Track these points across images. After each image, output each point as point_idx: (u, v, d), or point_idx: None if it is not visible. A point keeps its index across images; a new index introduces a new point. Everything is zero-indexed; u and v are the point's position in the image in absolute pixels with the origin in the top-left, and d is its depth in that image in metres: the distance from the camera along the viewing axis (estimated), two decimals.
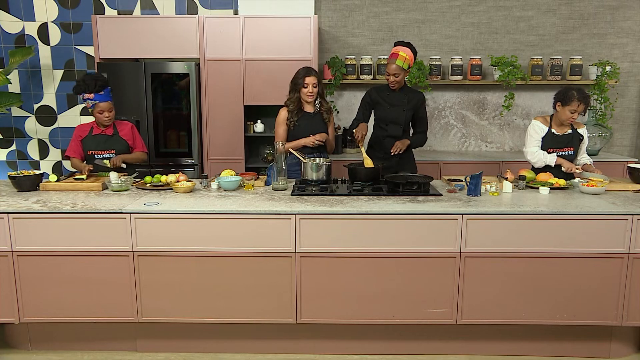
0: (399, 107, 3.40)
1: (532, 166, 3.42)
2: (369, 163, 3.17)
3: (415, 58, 3.34)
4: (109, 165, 3.22)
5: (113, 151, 3.31)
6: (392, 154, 3.33)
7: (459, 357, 2.80)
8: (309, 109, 3.37)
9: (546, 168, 3.28)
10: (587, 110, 3.21)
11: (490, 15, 4.73)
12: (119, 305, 2.65)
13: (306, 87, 3.25)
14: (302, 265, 2.60)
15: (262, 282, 2.62)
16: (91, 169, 3.20)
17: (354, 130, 3.29)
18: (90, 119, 3.30)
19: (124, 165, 3.26)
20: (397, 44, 3.33)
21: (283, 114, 3.36)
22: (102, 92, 3.18)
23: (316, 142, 3.28)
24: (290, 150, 3.17)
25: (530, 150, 3.30)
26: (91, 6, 4.72)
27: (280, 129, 3.36)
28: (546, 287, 2.60)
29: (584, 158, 3.34)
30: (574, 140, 3.29)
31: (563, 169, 3.22)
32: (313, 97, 3.30)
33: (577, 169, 3.19)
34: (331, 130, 3.47)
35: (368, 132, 3.39)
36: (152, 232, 2.57)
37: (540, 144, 3.28)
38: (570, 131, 3.29)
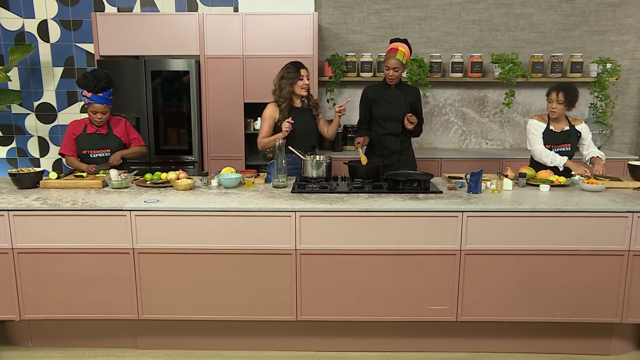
0: (397, 103, 3.40)
1: (530, 162, 3.42)
2: (365, 160, 3.21)
3: (410, 56, 3.37)
4: (109, 166, 3.21)
5: (108, 150, 3.30)
6: (410, 127, 3.36)
7: (459, 355, 2.81)
8: (297, 104, 3.36)
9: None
10: (571, 100, 3.18)
11: (490, 12, 4.72)
12: (120, 302, 2.65)
13: (302, 79, 3.25)
14: (303, 262, 2.60)
15: (262, 279, 2.62)
16: (95, 168, 3.18)
17: (355, 139, 3.46)
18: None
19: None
20: (393, 40, 3.35)
21: (271, 109, 3.32)
22: (100, 94, 3.15)
23: (288, 126, 3.16)
24: (290, 148, 3.16)
25: (538, 147, 3.28)
26: (91, 3, 4.71)
27: (266, 125, 3.33)
28: (546, 284, 2.61)
29: (591, 152, 3.32)
30: (572, 136, 3.30)
31: (574, 174, 3.14)
32: (307, 88, 3.31)
33: (586, 172, 3.11)
34: (323, 122, 3.49)
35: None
36: (152, 230, 2.57)
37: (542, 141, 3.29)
38: (567, 128, 3.30)
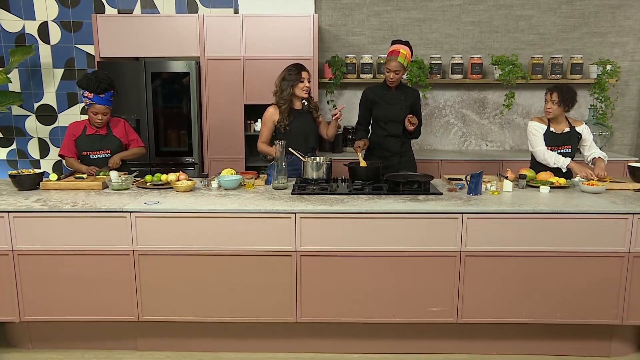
0: (397, 105, 3.40)
1: (530, 164, 3.42)
2: (363, 165, 3.19)
3: (411, 58, 3.37)
4: (109, 169, 3.21)
5: (108, 151, 3.30)
6: (411, 128, 3.34)
7: (460, 356, 2.80)
8: (297, 106, 3.37)
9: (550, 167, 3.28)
10: (566, 100, 3.17)
11: (490, 14, 4.73)
12: (120, 304, 2.65)
13: (302, 82, 3.26)
14: (303, 264, 2.60)
15: (262, 280, 2.62)
16: (95, 170, 3.18)
17: (355, 142, 3.39)
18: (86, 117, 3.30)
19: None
20: (395, 42, 3.34)
21: (270, 111, 3.34)
22: (102, 95, 3.16)
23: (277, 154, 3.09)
24: (290, 150, 3.17)
25: (541, 149, 3.27)
26: (91, 5, 4.71)
27: (265, 128, 3.35)
28: (546, 286, 2.60)
29: (593, 153, 3.31)
30: (572, 138, 3.29)
31: (578, 176, 3.11)
32: (308, 91, 3.31)
33: (592, 175, 3.10)
34: (323, 124, 3.51)
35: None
36: (152, 231, 2.57)
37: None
38: (567, 129, 3.29)
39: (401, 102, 3.40)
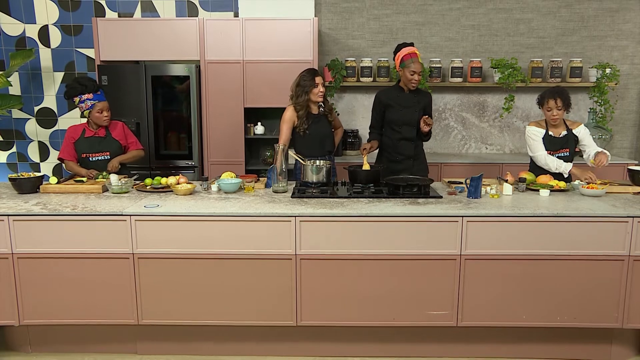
0: (411, 108, 3.40)
1: (529, 167, 3.42)
2: (367, 167, 3.18)
3: None
4: (109, 172, 3.21)
5: (107, 153, 3.31)
6: (427, 129, 3.32)
7: None
8: (314, 110, 3.37)
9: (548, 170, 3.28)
10: (569, 103, 3.15)
11: (490, 17, 4.74)
12: (119, 307, 2.65)
13: (317, 87, 3.27)
14: (302, 267, 2.60)
15: (262, 284, 2.62)
16: (93, 174, 3.19)
17: (363, 144, 3.40)
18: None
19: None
20: (402, 45, 3.34)
21: (290, 111, 3.34)
22: (99, 92, 3.21)
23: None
24: (291, 153, 3.16)
25: (541, 153, 3.25)
26: (92, 9, 4.73)
27: (285, 127, 3.34)
28: (546, 289, 2.60)
29: (595, 150, 3.25)
30: (570, 141, 3.29)
31: (580, 180, 3.10)
32: (323, 95, 3.32)
33: (593, 178, 3.07)
34: (337, 126, 3.57)
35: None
36: (152, 235, 2.57)
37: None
38: (565, 132, 3.29)
39: (415, 104, 3.40)
